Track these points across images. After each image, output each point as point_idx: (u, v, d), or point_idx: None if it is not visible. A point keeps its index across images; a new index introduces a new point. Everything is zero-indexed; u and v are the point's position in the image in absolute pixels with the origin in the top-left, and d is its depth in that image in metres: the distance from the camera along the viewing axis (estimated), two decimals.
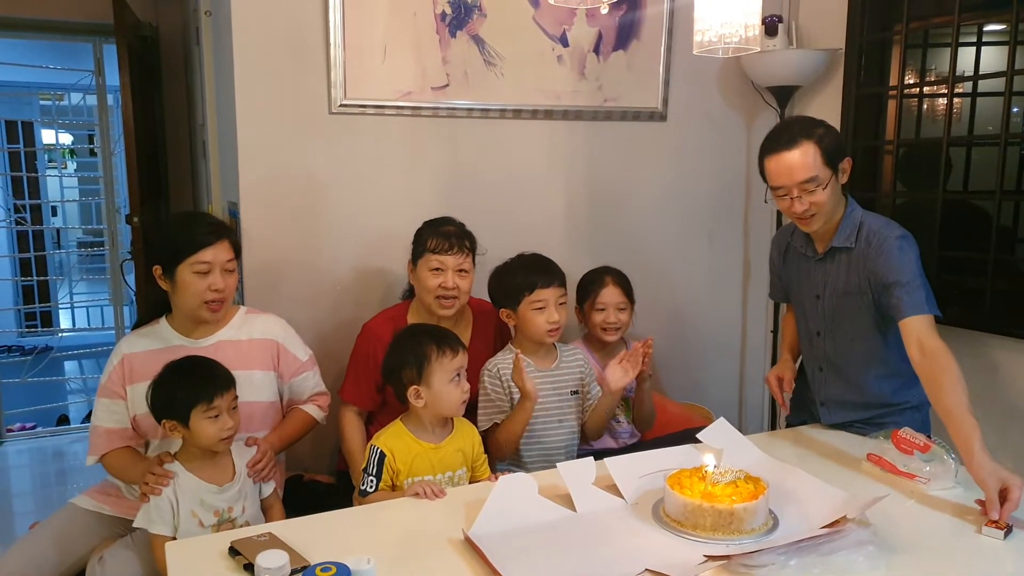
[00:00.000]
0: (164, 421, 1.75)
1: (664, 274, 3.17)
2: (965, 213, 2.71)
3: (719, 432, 1.91)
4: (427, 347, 1.84)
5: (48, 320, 7.26)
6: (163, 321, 2.05)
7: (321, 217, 2.57)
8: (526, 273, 2.17)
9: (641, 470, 1.79)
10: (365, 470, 1.82)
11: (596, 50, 2.84)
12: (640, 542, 1.54)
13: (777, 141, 1.95)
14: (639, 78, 2.94)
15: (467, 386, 1.87)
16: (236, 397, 1.81)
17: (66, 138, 7.89)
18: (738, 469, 1.65)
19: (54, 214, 8.13)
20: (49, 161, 7.86)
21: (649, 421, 2.45)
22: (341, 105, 2.52)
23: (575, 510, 1.66)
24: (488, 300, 2.32)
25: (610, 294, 2.41)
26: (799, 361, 2.32)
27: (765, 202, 2.13)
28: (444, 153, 2.71)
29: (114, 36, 3.89)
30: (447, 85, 2.65)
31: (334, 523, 1.65)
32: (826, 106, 3.00)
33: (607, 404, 2.20)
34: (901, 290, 1.92)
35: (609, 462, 1.80)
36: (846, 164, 1.97)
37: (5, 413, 4.34)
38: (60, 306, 7.11)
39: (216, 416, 1.73)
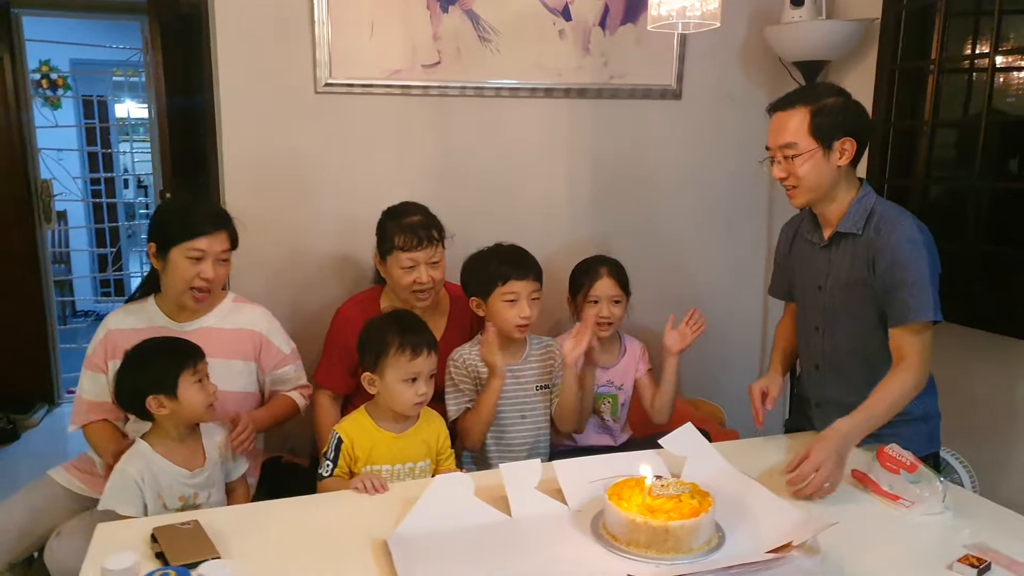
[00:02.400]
0: (150, 398, 1.70)
1: (677, 265, 3.00)
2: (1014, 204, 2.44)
3: (683, 439, 1.77)
4: (388, 338, 1.77)
5: (121, 288, 7.57)
6: (151, 300, 2.06)
7: (307, 199, 2.52)
8: (499, 263, 2.06)
9: (592, 475, 1.67)
10: (324, 454, 1.81)
11: (602, 23, 2.68)
12: (567, 554, 1.44)
13: (782, 99, 1.88)
14: (650, 53, 2.76)
15: (424, 390, 1.78)
16: (208, 365, 1.80)
17: (140, 113, 8.17)
18: (687, 482, 1.51)
19: (126, 186, 8.44)
20: (123, 136, 8.18)
21: (668, 408, 2.31)
22: (327, 84, 2.45)
23: (511, 514, 1.57)
24: None
25: (604, 286, 2.28)
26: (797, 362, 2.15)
27: (759, 163, 1.99)
28: (436, 134, 2.61)
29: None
30: (438, 63, 2.54)
31: (266, 514, 1.62)
32: (860, 82, 2.75)
33: (567, 382, 2.09)
34: (905, 291, 1.77)
35: (558, 465, 1.70)
36: (847, 144, 1.81)
37: (63, 376, 4.51)
38: (132, 274, 7.40)
39: (201, 380, 1.74)
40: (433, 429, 1.87)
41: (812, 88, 1.99)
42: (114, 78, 7.53)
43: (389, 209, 2.23)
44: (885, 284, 1.80)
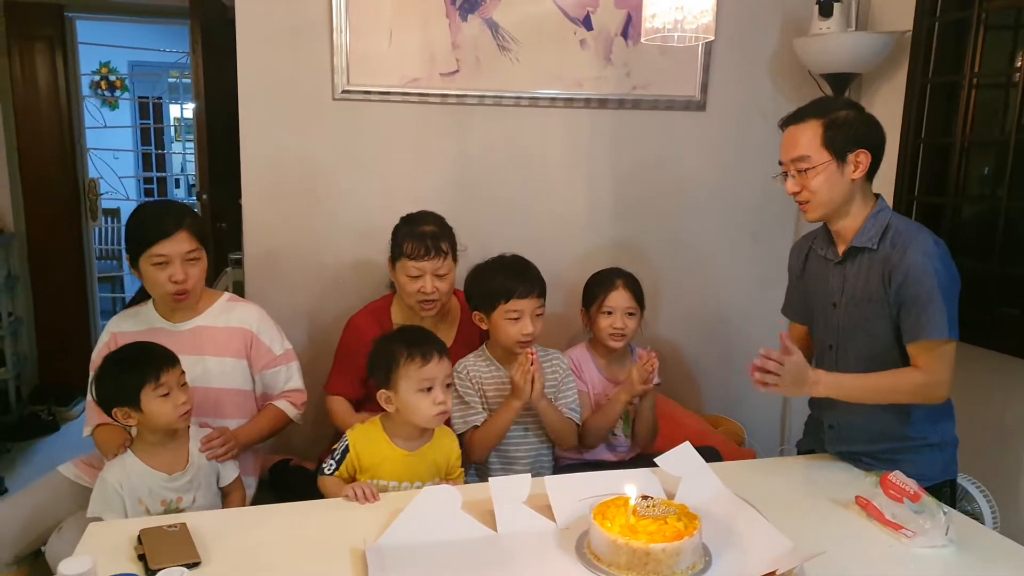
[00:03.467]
0: (115, 410, 1.74)
1: (701, 280, 2.95)
2: None
3: (680, 458, 1.73)
4: (397, 350, 1.74)
5: None
6: (150, 303, 2.10)
7: (324, 206, 2.54)
8: (504, 279, 2.03)
9: (584, 492, 1.64)
10: (332, 452, 1.81)
11: (624, 33, 2.65)
12: (548, 573, 1.42)
13: (794, 113, 1.86)
14: (674, 64, 2.72)
15: (441, 398, 1.73)
16: (183, 373, 1.80)
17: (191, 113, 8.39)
18: (675, 503, 1.49)
19: (177, 186, 8.66)
20: (178, 138, 8.40)
21: (647, 439, 2.29)
22: (344, 91, 2.47)
23: (497, 529, 1.55)
24: None
25: (619, 298, 2.24)
26: None
27: (773, 178, 1.95)
28: (453, 143, 2.61)
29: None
30: (457, 71, 2.55)
31: (255, 519, 1.64)
32: (890, 97, 2.67)
33: (620, 405, 2.13)
34: (918, 307, 1.72)
35: (549, 480, 1.68)
36: (862, 157, 1.78)
37: None
38: None
39: (167, 394, 1.73)
40: (444, 447, 1.84)
41: (825, 101, 1.96)
42: (169, 80, 7.76)
43: (406, 215, 2.24)
44: (900, 300, 1.75)
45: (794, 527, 1.53)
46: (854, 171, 1.78)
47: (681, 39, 1.73)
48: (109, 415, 1.77)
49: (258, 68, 2.43)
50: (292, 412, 2.14)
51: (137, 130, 7.92)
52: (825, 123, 1.78)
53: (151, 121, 7.93)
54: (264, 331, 2.12)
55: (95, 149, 5.74)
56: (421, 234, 2.14)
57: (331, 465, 1.78)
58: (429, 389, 1.72)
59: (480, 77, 2.57)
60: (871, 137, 1.80)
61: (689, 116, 2.80)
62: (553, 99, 2.65)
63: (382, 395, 1.76)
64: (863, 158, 1.78)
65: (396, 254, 2.18)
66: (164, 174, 8.04)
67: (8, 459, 3.71)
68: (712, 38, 1.76)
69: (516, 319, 2.01)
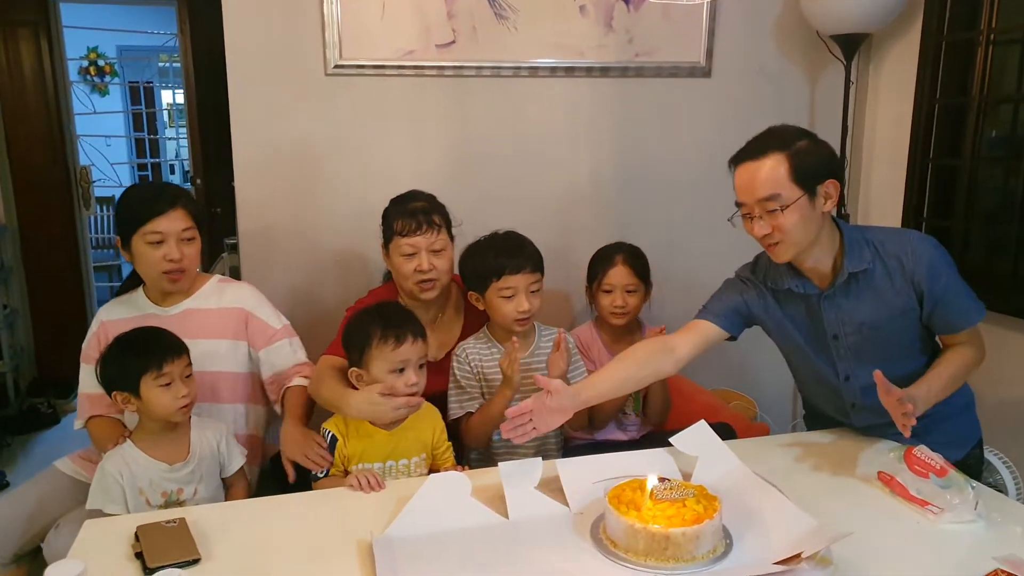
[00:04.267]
0: (115, 394, 1.71)
1: (709, 249, 2.85)
2: None
3: (696, 437, 1.67)
4: (371, 329, 1.71)
5: None
6: (140, 290, 2.04)
7: (318, 186, 2.47)
8: (495, 255, 1.96)
9: (597, 475, 1.59)
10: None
11: None
12: (563, 560, 1.36)
13: (746, 149, 1.69)
14: (678, 28, 2.63)
15: (414, 379, 1.71)
16: (189, 365, 1.75)
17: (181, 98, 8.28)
18: (693, 485, 1.42)
19: (172, 172, 8.57)
20: (169, 122, 8.28)
21: (660, 416, 2.23)
22: (337, 66, 2.39)
23: (508, 516, 1.50)
24: None
25: (618, 275, 2.18)
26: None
27: (728, 221, 1.76)
28: (451, 117, 2.54)
29: None
30: (453, 42, 2.46)
31: (256, 512, 1.58)
32: (903, 57, 2.59)
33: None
34: (953, 297, 1.68)
35: (561, 463, 1.62)
36: (830, 188, 1.64)
37: None
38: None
39: (168, 384, 1.68)
40: (428, 424, 1.80)
41: (777, 132, 1.72)
42: (159, 64, 7.64)
43: (395, 197, 2.15)
44: (936, 297, 1.68)
45: (815, 505, 1.47)
46: (824, 204, 1.64)
47: None
48: (110, 396, 1.73)
49: (246, 43, 2.35)
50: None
51: (129, 116, 7.82)
52: (789, 155, 1.62)
53: (143, 106, 7.81)
54: (259, 308, 2.05)
55: (85, 136, 5.65)
56: (412, 210, 2.04)
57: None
58: (402, 370, 1.70)
59: (477, 48, 2.49)
60: (835, 165, 1.70)
61: (694, 83, 2.72)
62: (553, 68, 2.57)
63: (353, 373, 1.75)
64: (832, 189, 1.64)
65: (388, 236, 2.08)
66: (158, 160, 7.95)
67: (9, 453, 3.67)
68: None
69: (510, 297, 1.94)
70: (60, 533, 1.80)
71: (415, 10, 2.42)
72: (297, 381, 2.04)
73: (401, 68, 2.44)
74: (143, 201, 1.92)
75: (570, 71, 2.59)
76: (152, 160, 7.83)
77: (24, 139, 4.34)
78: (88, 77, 7.52)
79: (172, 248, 1.90)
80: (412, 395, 1.72)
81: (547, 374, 1.92)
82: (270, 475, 2.15)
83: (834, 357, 1.79)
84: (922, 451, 1.56)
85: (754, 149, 1.67)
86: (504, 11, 2.48)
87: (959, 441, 1.71)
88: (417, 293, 2.08)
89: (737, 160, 1.70)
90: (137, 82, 7.85)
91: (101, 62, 7.54)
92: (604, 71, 2.62)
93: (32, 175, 4.37)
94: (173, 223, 1.90)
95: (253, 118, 2.40)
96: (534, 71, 2.56)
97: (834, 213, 1.71)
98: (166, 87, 7.84)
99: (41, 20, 4.37)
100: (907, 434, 1.52)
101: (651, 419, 2.24)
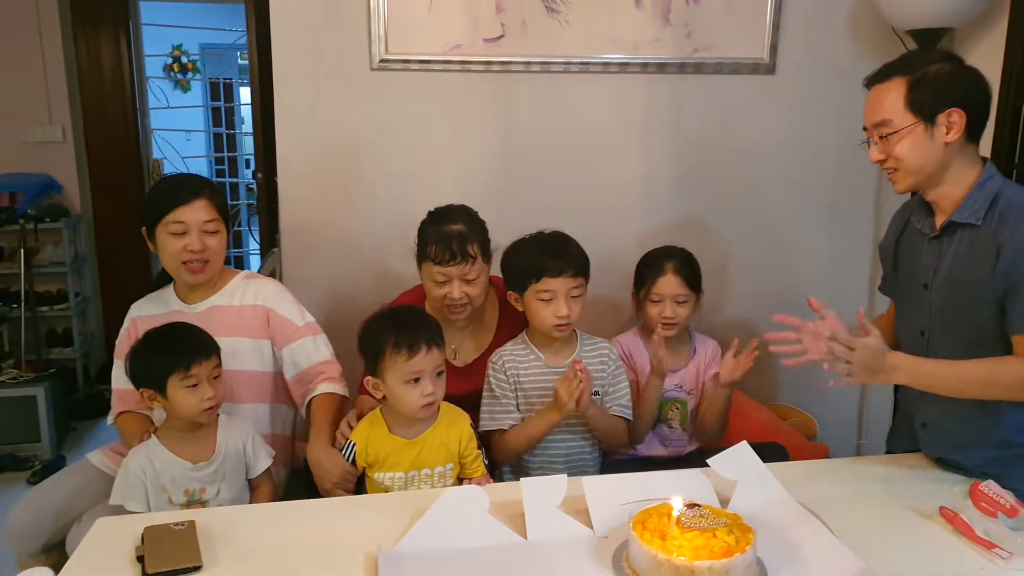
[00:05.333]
0: (142, 390, 1.70)
1: (771, 257, 2.73)
2: None
3: (736, 459, 1.55)
4: (384, 338, 1.65)
5: (240, 264, 7.89)
6: (171, 286, 2.04)
7: (362, 183, 2.44)
8: (535, 256, 1.87)
9: (626, 495, 1.49)
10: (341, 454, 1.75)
11: None
12: None
13: (876, 72, 1.65)
14: (739, 22, 2.50)
15: (430, 389, 1.64)
16: (219, 366, 1.73)
17: None
18: (728, 512, 1.32)
19: (248, 166, 8.77)
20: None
21: (715, 433, 2.10)
22: (383, 60, 2.36)
23: (527, 536, 1.41)
24: None
25: (668, 284, 2.05)
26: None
27: (857, 144, 1.74)
28: (498, 114, 2.47)
29: None
30: (502, 36, 2.39)
31: (269, 518, 1.53)
32: (989, 54, 2.39)
33: (719, 398, 1.99)
34: (1016, 296, 1.49)
35: (588, 481, 1.52)
36: (955, 117, 1.54)
37: None
38: (251, 252, 7.71)
39: (195, 385, 1.66)
40: (455, 431, 1.73)
41: (915, 55, 1.71)
42: (239, 61, 7.83)
43: (433, 211, 2.06)
44: (1008, 282, 1.51)
45: (866, 541, 1.36)
46: (947, 134, 1.55)
47: None
48: (138, 390, 1.72)
49: (292, 36, 2.34)
50: (339, 389, 2.00)
51: (209, 111, 8.04)
52: (911, 81, 1.56)
53: (222, 102, 8.02)
54: (281, 305, 2.01)
55: (163, 130, 5.82)
56: (447, 235, 1.95)
57: None
58: (417, 380, 1.64)
59: (526, 42, 2.41)
60: (968, 93, 1.56)
61: (757, 80, 2.58)
62: (606, 64, 2.47)
63: (369, 382, 1.70)
64: (956, 118, 1.54)
65: (421, 255, 2.01)
66: (235, 154, 8.15)
67: (74, 437, 3.79)
68: None
69: (548, 300, 1.84)
70: (82, 527, 1.81)
71: (463, 3, 2.36)
72: (322, 388, 1.98)
73: (448, 63, 2.39)
74: (167, 192, 1.92)
75: (624, 67, 2.49)
76: (229, 154, 8.02)
77: (101, 133, 4.48)
78: (172, 74, 7.76)
79: (194, 239, 1.88)
80: (428, 404, 1.66)
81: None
82: (303, 475, 2.13)
83: (922, 307, 1.69)
84: (990, 487, 1.42)
85: (884, 71, 1.63)
86: (555, 4, 2.40)
87: None
88: (447, 315, 2.01)
89: (869, 82, 1.68)
90: (217, 78, 8.06)
91: (184, 59, 7.76)
92: (660, 67, 2.51)
93: (107, 168, 4.52)
94: (196, 213, 1.89)
95: (297, 113, 2.38)
96: (585, 67, 2.47)
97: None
98: (244, 84, 8.04)
99: (121, 19, 4.51)
100: (831, 382, 1.53)
101: (703, 434, 2.11)
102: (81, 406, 4.05)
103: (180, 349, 1.68)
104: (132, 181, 4.64)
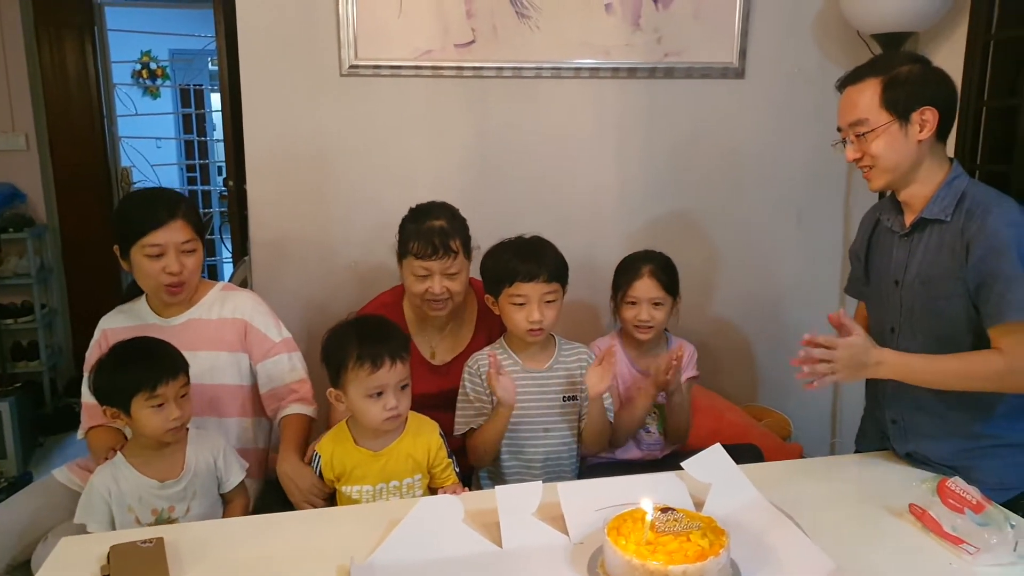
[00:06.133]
0: (105, 408, 1.64)
1: (742, 260, 2.76)
2: None
3: (710, 462, 1.56)
4: (347, 349, 1.62)
5: (213, 274, 7.81)
6: (143, 299, 2.00)
7: (333, 189, 2.43)
8: (510, 260, 1.87)
9: (601, 501, 1.48)
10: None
11: None
12: None
13: (849, 74, 1.71)
14: (709, 28, 2.53)
15: (393, 403, 1.62)
16: (187, 384, 1.68)
17: None
18: (701, 516, 1.32)
19: (220, 173, 8.68)
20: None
21: (680, 435, 2.12)
22: (352, 66, 2.35)
23: (502, 544, 1.41)
24: None
25: (644, 287, 2.06)
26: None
27: (832, 146, 1.79)
28: (470, 120, 2.47)
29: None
30: (472, 42, 2.39)
31: (238, 533, 1.51)
32: (950, 57, 2.43)
33: (593, 413, 1.90)
34: (1002, 283, 1.52)
35: (563, 488, 1.51)
36: (927, 115, 1.60)
37: None
38: (224, 260, 7.63)
39: (160, 405, 1.60)
40: (422, 441, 1.71)
41: (885, 57, 1.80)
42: (210, 67, 7.75)
43: (414, 208, 2.07)
44: (980, 276, 1.54)
45: (838, 540, 1.37)
46: (920, 131, 1.61)
47: None
48: (102, 407, 1.67)
49: (260, 42, 2.33)
50: (309, 411, 1.99)
51: (179, 118, 7.94)
52: (885, 81, 1.62)
53: (192, 109, 7.93)
54: (258, 319, 1.99)
55: (131, 137, 5.74)
56: (428, 230, 1.96)
57: None
58: (379, 394, 1.62)
59: (498, 47, 2.41)
60: (938, 93, 1.62)
61: (726, 84, 2.61)
62: (578, 69, 2.49)
63: (331, 393, 1.68)
64: (929, 116, 1.60)
65: (402, 251, 2.02)
66: (207, 161, 8.06)
67: (41, 453, 3.71)
68: None
69: (521, 305, 1.85)
70: (48, 545, 1.76)
71: (433, 9, 2.36)
72: (293, 408, 1.97)
73: (419, 68, 2.38)
74: (141, 212, 1.86)
75: (595, 72, 2.50)
76: (201, 161, 7.93)
77: (66, 141, 4.39)
78: (140, 80, 7.65)
79: (172, 260, 1.84)
80: (391, 418, 1.64)
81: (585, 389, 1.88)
82: (275, 485, 2.10)
83: (892, 304, 1.73)
84: (956, 483, 1.45)
85: (857, 73, 1.68)
86: (526, 9, 2.40)
87: (999, 486, 1.56)
88: (427, 311, 2.02)
89: (842, 84, 1.73)
90: (188, 85, 7.96)
91: (153, 65, 7.66)
92: (631, 72, 2.53)
93: (73, 176, 4.42)
94: (173, 235, 1.84)
95: (266, 118, 2.37)
96: (557, 72, 2.48)
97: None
98: (216, 90, 7.95)
99: (86, 24, 4.43)
100: (815, 384, 1.54)
101: (671, 437, 2.13)
102: (48, 421, 3.96)
103: (147, 367, 1.62)
104: (100, 190, 4.56)
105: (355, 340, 1.63)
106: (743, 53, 2.57)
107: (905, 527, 1.45)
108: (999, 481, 1.58)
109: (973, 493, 1.41)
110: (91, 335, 1.99)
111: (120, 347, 1.70)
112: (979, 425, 1.63)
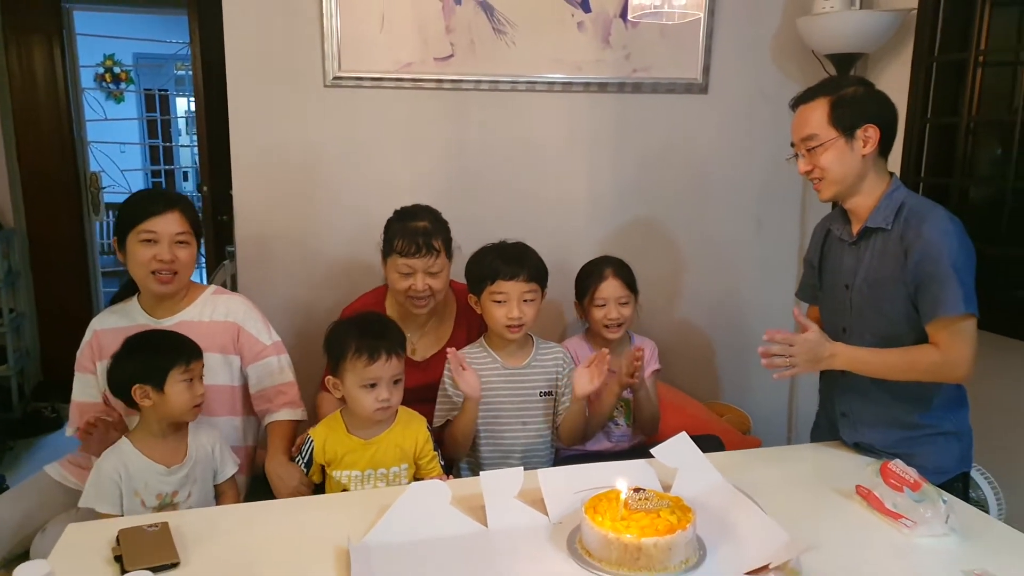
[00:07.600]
0: (136, 387, 1.69)
1: (706, 265, 2.90)
2: None
3: (676, 449, 1.69)
4: (347, 341, 1.74)
5: None
6: (135, 299, 2.04)
7: (317, 196, 2.51)
8: (493, 260, 1.99)
9: (578, 485, 1.60)
10: (300, 452, 1.82)
11: (623, 15, 2.59)
12: (538, 569, 1.38)
13: (803, 93, 1.86)
14: (675, 45, 2.66)
15: (385, 395, 1.73)
16: (203, 367, 1.79)
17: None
18: (669, 496, 1.44)
19: (185, 179, 8.61)
20: (185, 129, 8.32)
21: (649, 427, 2.24)
22: (336, 78, 2.43)
23: (488, 525, 1.52)
24: None
25: (610, 288, 2.19)
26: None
27: (787, 160, 1.95)
28: (449, 130, 2.57)
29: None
30: (451, 56, 2.50)
31: (239, 518, 1.60)
32: (897, 76, 2.61)
33: (575, 410, 2.02)
34: (935, 284, 1.68)
35: (543, 473, 1.63)
36: (870, 132, 1.76)
37: None
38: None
39: (190, 380, 1.72)
40: (410, 433, 1.82)
41: (834, 80, 1.97)
42: (175, 72, 7.70)
43: (399, 209, 2.18)
44: (917, 279, 1.71)
45: (793, 518, 1.49)
46: (864, 147, 1.76)
47: (668, 16, 1.68)
48: (118, 396, 1.74)
49: (247, 53, 2.39)
50: (297, 415, 2.08)
51: (144, 123, 7.88)
52: (832, 101, 1.77)
53: (158, 114, 7.87)
54: (250, 322, 2.06)
55: (98, 142, 5.71)
56: (413, 230, 2.08)
57: (300, 465, 1.81)
58: (373, 386, 1.72)
59: (475, 61, 2.52)
60: (880, 112, 1.78)
61: (691, 99, 2.75)
62: (551, 83, 2.60)
63: (329, 380, 1.79)
64: (872, 133, 1.76)
65: (387, 250, 2.12)
66: (172, 167, 8.00)
67: (11, 457, 3.69)
68: (700, 15, 1.71)
69: (502, 302, 1.96)
70: (47, 537, 1.81)
71: (414, 23, 2.46)
72: (280, 415, 2.05)
73: (400, 80, 2.48)
74: (141, 202, 1.95)
75: (568, 86, 2.62)
76: (166, 167, 7.87)
77: (34, 144, 4.36)
78: (104, 84, 7.58)
79: (164, 249, 1.91)
80: (382, 409, 1.74)
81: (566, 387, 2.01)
82: (262, 481, 2.18)
83: (843, 306, 1.88)
84: (897, 465, 1.58)
85: (808, 93, 1.84)
86: (502, 26, 2.51)
87: (936, 470, 1.73)
88: (410, 308, 2.12)
89: (795, 103, 1.87)
90: (152, 90, 7.90)
91: (117, 69, 7.59)
92: (602, 86, 2.65)
93: (41, 180, 4.39)
94: (168, 224, 1.91)
95: (252, 126, 2.43)
96: (532, 85, 2.59)
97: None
98: (181, 95, 7.90)
99: (54, 27, 4.42)
100: (775, 376, 1.69)
101: (641, 430, 2.25)
102: (17, 425, 3.93)
103: (180, 347, 1.74)
104: (68, 194, 4.55)
105: (356, 333, 1.74)
106: (707, 70, 2.72)
107: (852, 506, 1.60)
108: (937, 466, 1.74)
109: (912, 473, 1.55)
110: (59, 339, 2.03)
111: (146, 333, 1.80)
112: (919, 415, 1.80)
